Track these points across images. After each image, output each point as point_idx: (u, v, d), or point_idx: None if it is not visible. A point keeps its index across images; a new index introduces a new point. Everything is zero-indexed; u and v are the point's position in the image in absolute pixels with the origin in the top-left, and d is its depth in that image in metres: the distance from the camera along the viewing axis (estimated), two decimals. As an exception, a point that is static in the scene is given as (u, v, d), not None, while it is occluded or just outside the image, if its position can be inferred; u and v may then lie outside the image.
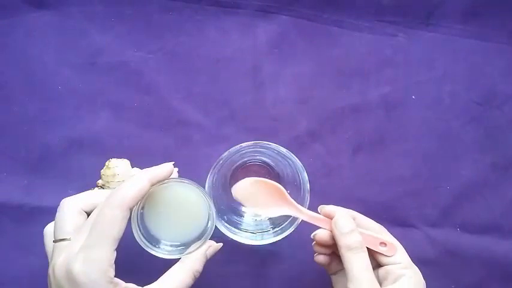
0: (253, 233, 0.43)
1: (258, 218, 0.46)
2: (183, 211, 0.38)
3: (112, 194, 0.33)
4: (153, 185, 0.35)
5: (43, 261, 0.47)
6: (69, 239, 0.34)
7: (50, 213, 0.48)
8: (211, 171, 0.41)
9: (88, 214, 0.36)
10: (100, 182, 0.48)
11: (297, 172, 0.42)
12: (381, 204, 0.49)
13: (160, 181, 0.36)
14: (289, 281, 0.48)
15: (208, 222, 0.38)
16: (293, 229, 0.41)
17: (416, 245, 0.49)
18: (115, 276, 0.32)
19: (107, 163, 0.48)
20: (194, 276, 0.36)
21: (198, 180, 0.39)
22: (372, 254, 0.39)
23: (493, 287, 0.49)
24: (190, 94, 0.50)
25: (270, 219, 0.45)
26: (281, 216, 0.43)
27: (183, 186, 0.38)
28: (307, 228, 0.40)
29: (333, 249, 0.40)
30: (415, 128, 0.50)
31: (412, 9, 0.51)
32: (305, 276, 0.48)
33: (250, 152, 0.44)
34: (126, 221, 0.33)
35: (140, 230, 0.37)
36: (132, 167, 0.49)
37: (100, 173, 0.48)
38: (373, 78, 0.51)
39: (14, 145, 0.49)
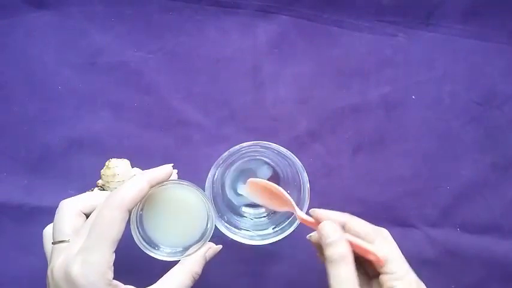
0: (253, 233, 0.43)
1: (258, 219, 0.46)
2: (182, 213, 0.38)
3: (111, 195, 0.33)
4: (152, 186, 0.35)
5: (43, 261, 0.47)
6: (68, 241, 0.34)
7: (50, 213, 0.48)
8: (211, 171, 0.41)
9: (87, 216, 0.36)
10: (100, 182, 0.48)
11: (297, 172, 0.42)
12: (381, 204, 0.49)
13: (160, 183, 0.36)
14: (289, 281, 0.48)
15: (207, 224, 0.38)
16: (293, 229, 0.41)
17: (416, 245, 0.49)
18: (114, 279, 0.32)
19: (107, 163, 0.48)
20: (193, 278, 0.36)
21: (198, 180, 0.39)
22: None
23: (493, 287, 0.49)
24: (190, 94, 0.50)
25: (270, 219, 0.46)
26: (281, 216, 0.44)
27: (182, 188, 0.38)
28: (307, 228, 0.40)
29: None
30: (415, 128, 0.50)
31: (412, 9, 0.51)
32: (305, 276, 0.48)
33: (250, 152, 0.44)
34: (125, 222, 0.33)
35: (139, 232, 0.37)
36: (132, 167, 0.49)
37: (100, 173, 0.48)
38: (373, 78, 0.51)
39: (14, 145, 0.49)
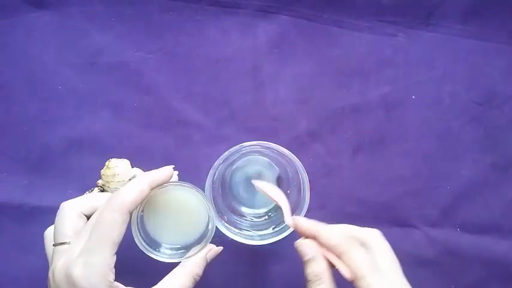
0: (253, 233, 0.43)
1: (258, 219, 0.46)
2: (183, 215, 0.38)
3: (112, 197, 0.33)
4: (152, 188, 0.35)
5: (43, 261, 0.47)
6: (69, 243, 0.34)
7: (50, 213, 0.48)
8: (211, 171, 0.41)
9: (88, 217, 0.36)
10: (100, 182, 0.48)
11: (297, 172, 0.42)
12: (381, 204, 0.49)
13: (160, 185, 0.36)
14: (289, 281, 0.48)
15: (208, 226, 0.38)
16: (293, 229, 0.41)
17: (416, 245, 0.49)
18: (115, 280, 0.32)
19: (107, 163, 0.48)
20: (194, 279, 0.36)
21: (198, 180, 0.39)
22: None
23: (493, 287, 0.49)
24: (190, 94, 0.50)
25: (270, 219, 0.46)
26: (281, 216, 0.43)
27: (183, 189, 0.38)
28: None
29: None
30: (415, 128, 0.50)
31: (412, 9, 0.51)
32: (305, 276, 0.48)
33: (250, 152, 0.44)
34: (125, 224, 0.33)
35: (140, 234, 0.37)
36: (132, 167, 0.49)
37: (100, 173, 0.48)
38: (373, 78, 0.51)
39: (14, 145, 0.49)
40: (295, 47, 0.51)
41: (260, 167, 0.46)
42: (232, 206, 0.46)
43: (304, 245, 0.36)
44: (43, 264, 0.47)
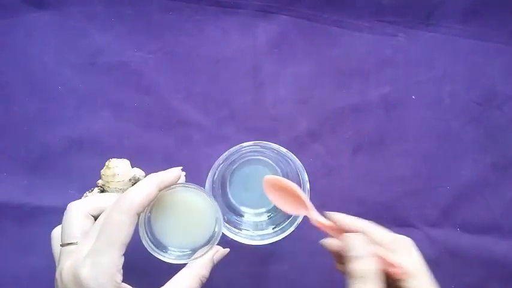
0: (253, 233, 0.43)
1: (258, 219, 0.46)
2: (190, 216, 0.38)
3: (120, 198, 0.33)
4: (161, 190, 0.35)
5: (43, 261, 0.47)
6: (76, 243, 0.34)
7: (50, 213, 0.48)
8: (211, 171, 0.41)
9: (95, 218, 0.36)
10: (100, 182, 0.48)
11: (297, 172, 0.42)
12: (381, 204, 0.49)
13: (168, 186, 0.36)
14: (289, 281, 0.48)
15: (215, 227, 0.38)
16: (293, 229, 0.41)
17: (417, 245, 0.49)
18: (122, 281, 0.32)
19: (107, 163, 0.48)
20: (201, 281, 0.36)
21: (198, 180, 0.39)
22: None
23: (493, 287, 0.49)
24: (190, 94, 0.50)
25: (270, 219, 0.46)
26: (281, 216, 0.44)
27: (191, 191, 0.38)
28: (307, 228, 0.40)
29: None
30: (415, 128, 0.50)
31: (412, 9, 0.51)
32: (305, 276, 0.48)
33: (250, 152, 0.44)
34: (134, 226, 0.33)
35: (147, 235, 0.36)
36: (132, 167, 0.49)
37: (100, 173, 0.48)
38: (373, 78, 0.51)
39: (14, 145, 0.49)
40: (295, 47, 0.51)
41: (260, 167, 0.46)
42: (232, 206, 0.46)
43: (356, 239, 0.33)
44: (43, 264, 0.47)
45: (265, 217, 0.46)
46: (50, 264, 0.47)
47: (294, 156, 0.41)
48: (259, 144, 0.42)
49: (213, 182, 0.41)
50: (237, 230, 0.42)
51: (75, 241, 0.34)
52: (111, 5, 0.51)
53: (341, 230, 0.35)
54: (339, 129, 0.50)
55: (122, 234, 0.32)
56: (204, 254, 0.37)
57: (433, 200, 0.50)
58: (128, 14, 0.51)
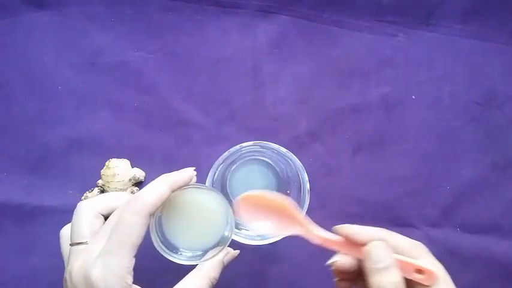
0: (253, 233, 0.43)
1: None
2: (202, 217, 0.37)
3: (133, 199, 0.33)
4: (173, 191, 0.34)
5: (43, 261, 0.47)
6: (86, 243, 0.33)
7: (50, 213, 0.48)
8: (211, 171, 0.41)
9: (105, 217, 0.36)
10: (100, 182, 0.48)
11: (297, 172, 0.42)
12: (381, 204, 0.49)
13: (181, 187, 0.35)
14: (289, 281, 0.48)
15: (226, 228, 0.37)
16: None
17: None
18: (132, 283, 0.32)
19: (107, 163, 0.48)
20: (211, 283, 0.36)
21: (198, 180, 0.39)
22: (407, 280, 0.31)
23: (493, 287, 0.49)
24: (190, 94, 0.50)
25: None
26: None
27: (202, 192, 0.37)
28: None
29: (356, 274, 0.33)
30: (415, 128, 0.50)
31: (412, 9, 0.51)
32: (305, 276, 0.48)
33: (250, 152, 0.44)
34: (146, 227, 0.32)
35: (158, 235, 0.36)
36: (132, 167, 0.49)
37: (100, 173, 0.48)
38: (373, 78, 0.51)
39: (14, 145, 0.49)
40: (295, 47, 0.51)
41: (260, 167, 0.46)
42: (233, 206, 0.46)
43: (381, 249, 0.31)
44: (43, 264, 0.47)
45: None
46: (50, 264, 0.47)
47: (294, 156, 0.41)
48: (259, 144, 0.42)
49: (213, 182, 0.41)
50: (237, 230, 0.42)
51: (84, 240, 0.34)
52: (111, 5, 0.51)
53: (353, 244, 0.32)
54: (339, 129, 0.50)
55: (133, 236, 0.31)
56: (215, 255, 0.36)
57: (433, 200, 0.50)
58: (128, 14, 0.51)
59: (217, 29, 0.51)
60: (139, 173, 0.48)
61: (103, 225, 0.34)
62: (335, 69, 0.51)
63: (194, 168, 0.36)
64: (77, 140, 0.49)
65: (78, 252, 0.33)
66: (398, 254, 0.32)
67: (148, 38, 0.51)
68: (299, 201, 0.41)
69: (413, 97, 0.51)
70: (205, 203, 0.37)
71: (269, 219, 0.34)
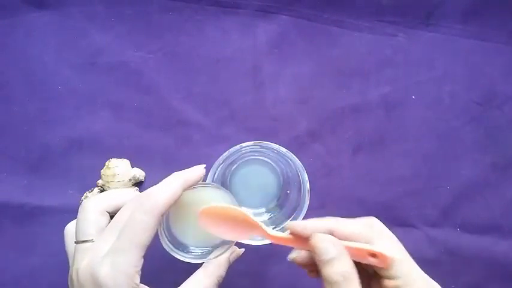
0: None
1: (258, 219, 0.45)
2: None
3: (144, 197, 0.32)
4: (185, 190, 0.34)
5: (43, 261, 0.47)
6: (92, 241, 0.33)
7: (50, 213, 0.48)
8: (211, 171, 0.41)
9: (111, 215, 0.35)
10: (100, 182, 0.48)
11: (297, 172, 0.42)
12: (381, 204, 0.49)
13: (192, 185, 0.35)
14: (289, 281, 0.48)
15: None
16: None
17: (416, 245, 0.49)
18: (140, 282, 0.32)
19: (107, 163, 0.48)
20: (218, 281, 0.36)
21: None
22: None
23: (493, 287, 0.49)
24: (190, 94, 0.50)
25: (270, 219, 0.45)
26: (281, 216, 0.44)
27: (211, 190, 0.37)
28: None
29: None
30: (415, 128, 0.50)
31: (412, 9, 0.51)
32: (305, 276, 0.48)
33: (250, 152, 0.44)
34: (156, 227, 0.32)
35: (165, 233, 0.36)
36: (132, 167, 0.49)
37: (100, 173, 0.48)
38: (373, 78, 0.51)
39: (14, 145, 0.49)
40: (295, 47, 0.51)
41: (260, 167, 0.46)
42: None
43: (325, 241, 0.31)
44: (43, 264, 0.47)
45: (265, 217, 0.46)
46: (50, 264, 0.47)
47: (294, 156, 0.41)
48: (259, 144, 0.42)
49: (213, 182, 0.41)
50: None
51: (90, 238, 0.33)
52: (111, 5, 0.51)
53: (304, 239, 0.32)
54: (339, 129, 0.50)
55: (144, 235, 0.31)
56: (221, 254, 0.36)
57: (433, 200, 0.50)
58: (128, 14, 0.51)
59: (217, 29, 0.51)
60: (140, 173, 0.48)
61: (109, 223, 0.34)
62: (335, 69, 0.51)
63: (204, 166, 0.36)
64: (77, 140, 0.49)
65: (84, 251, 0.32)
66: (352, 240, 0.31)
67: (148, 38, 0.51)
68: (299, 201, 0.41)
69: (413, 97, 0.51)
70: (213, 199, 0.36)
71: (231, 227, 0.34)
